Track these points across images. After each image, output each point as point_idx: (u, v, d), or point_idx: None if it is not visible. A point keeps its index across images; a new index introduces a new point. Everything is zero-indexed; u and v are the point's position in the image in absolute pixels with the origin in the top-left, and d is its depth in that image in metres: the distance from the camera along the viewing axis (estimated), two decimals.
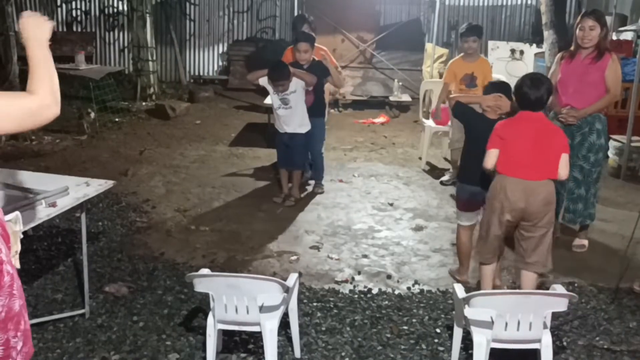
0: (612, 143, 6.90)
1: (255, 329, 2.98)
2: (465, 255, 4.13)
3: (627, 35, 9.27)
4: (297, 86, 5.35)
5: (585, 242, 4.85)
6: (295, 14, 10.61)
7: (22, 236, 2.10)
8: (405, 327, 3.58)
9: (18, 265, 1.99)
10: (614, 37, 9.34)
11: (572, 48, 4.65)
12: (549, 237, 3.54)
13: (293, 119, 5.48)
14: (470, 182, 3.91)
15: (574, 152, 4.35)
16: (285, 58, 5.82)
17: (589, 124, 4.52)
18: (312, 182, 6.15)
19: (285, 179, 5.73)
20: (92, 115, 8.18)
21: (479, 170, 3.63)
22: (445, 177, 6.47)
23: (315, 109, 5.75)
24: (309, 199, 5.78)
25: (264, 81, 5.39)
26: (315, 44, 5.67)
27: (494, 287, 3.77)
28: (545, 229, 3.50)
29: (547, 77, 3.93)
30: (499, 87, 3.97)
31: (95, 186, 3.50)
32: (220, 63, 12.64)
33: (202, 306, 3.68)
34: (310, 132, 5.65)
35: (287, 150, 5.60)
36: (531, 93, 3.44)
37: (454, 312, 3.40)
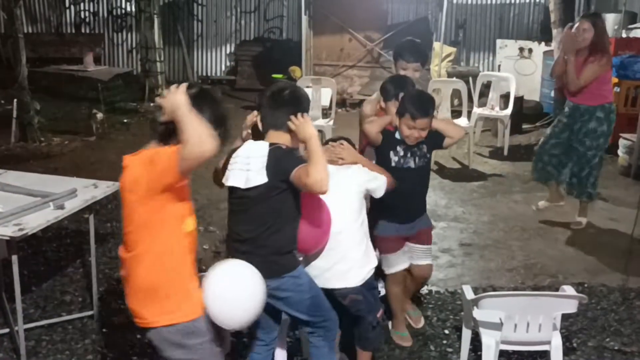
0: (622, 142, 6.85)
1: None
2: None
3: (637, 33, 9.20)
4: None
5: (582, 219, 5.19)
6: (302, 13, 10.58)
7: None
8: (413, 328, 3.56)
9: None
10: (624, 35, 9.28)
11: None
12: None
13: None
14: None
15: (574, 135, 4.94)
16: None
17: (590, 113, 4.85)
18: None
19: None
20: (99, 116, 8.20)
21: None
22: None
23: None
24: None
25: None
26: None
27: None
28: None
29: None
30: None
31: (104, 188, 3.51)
32: (228, 63, 12.66)
33: None
34: None
35: None
36: None
37: (462, 314, 3.38)
